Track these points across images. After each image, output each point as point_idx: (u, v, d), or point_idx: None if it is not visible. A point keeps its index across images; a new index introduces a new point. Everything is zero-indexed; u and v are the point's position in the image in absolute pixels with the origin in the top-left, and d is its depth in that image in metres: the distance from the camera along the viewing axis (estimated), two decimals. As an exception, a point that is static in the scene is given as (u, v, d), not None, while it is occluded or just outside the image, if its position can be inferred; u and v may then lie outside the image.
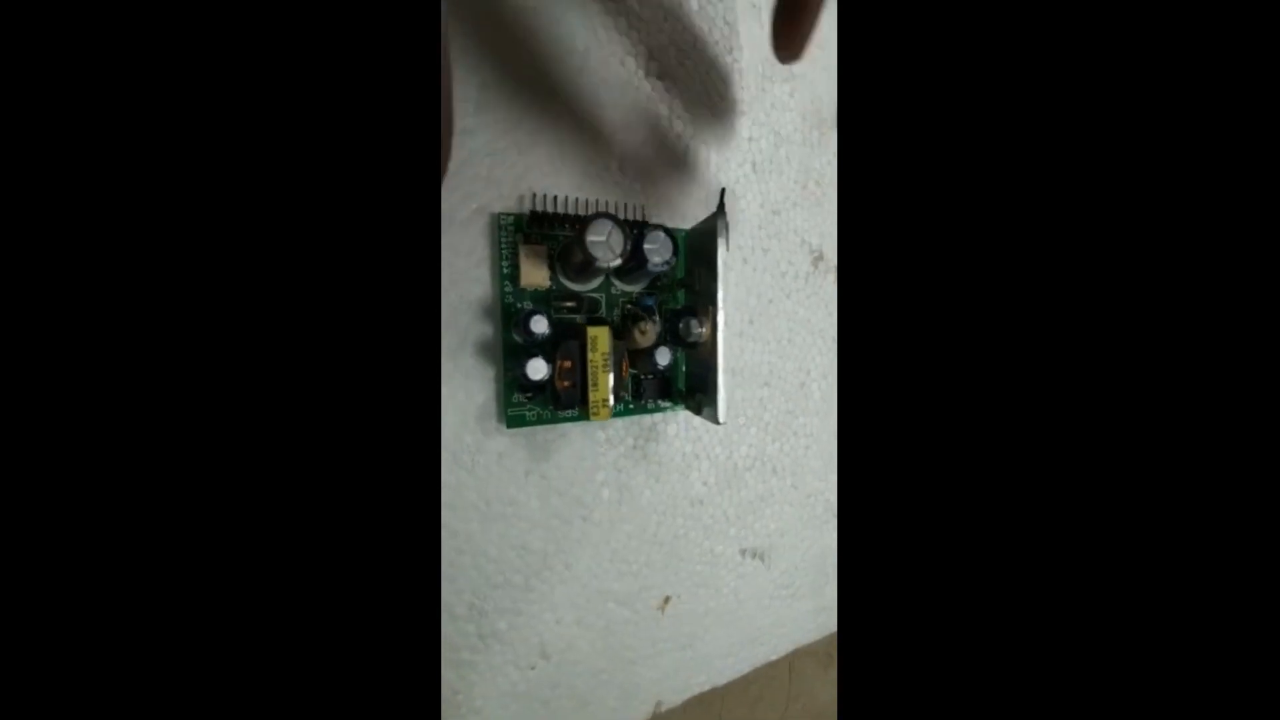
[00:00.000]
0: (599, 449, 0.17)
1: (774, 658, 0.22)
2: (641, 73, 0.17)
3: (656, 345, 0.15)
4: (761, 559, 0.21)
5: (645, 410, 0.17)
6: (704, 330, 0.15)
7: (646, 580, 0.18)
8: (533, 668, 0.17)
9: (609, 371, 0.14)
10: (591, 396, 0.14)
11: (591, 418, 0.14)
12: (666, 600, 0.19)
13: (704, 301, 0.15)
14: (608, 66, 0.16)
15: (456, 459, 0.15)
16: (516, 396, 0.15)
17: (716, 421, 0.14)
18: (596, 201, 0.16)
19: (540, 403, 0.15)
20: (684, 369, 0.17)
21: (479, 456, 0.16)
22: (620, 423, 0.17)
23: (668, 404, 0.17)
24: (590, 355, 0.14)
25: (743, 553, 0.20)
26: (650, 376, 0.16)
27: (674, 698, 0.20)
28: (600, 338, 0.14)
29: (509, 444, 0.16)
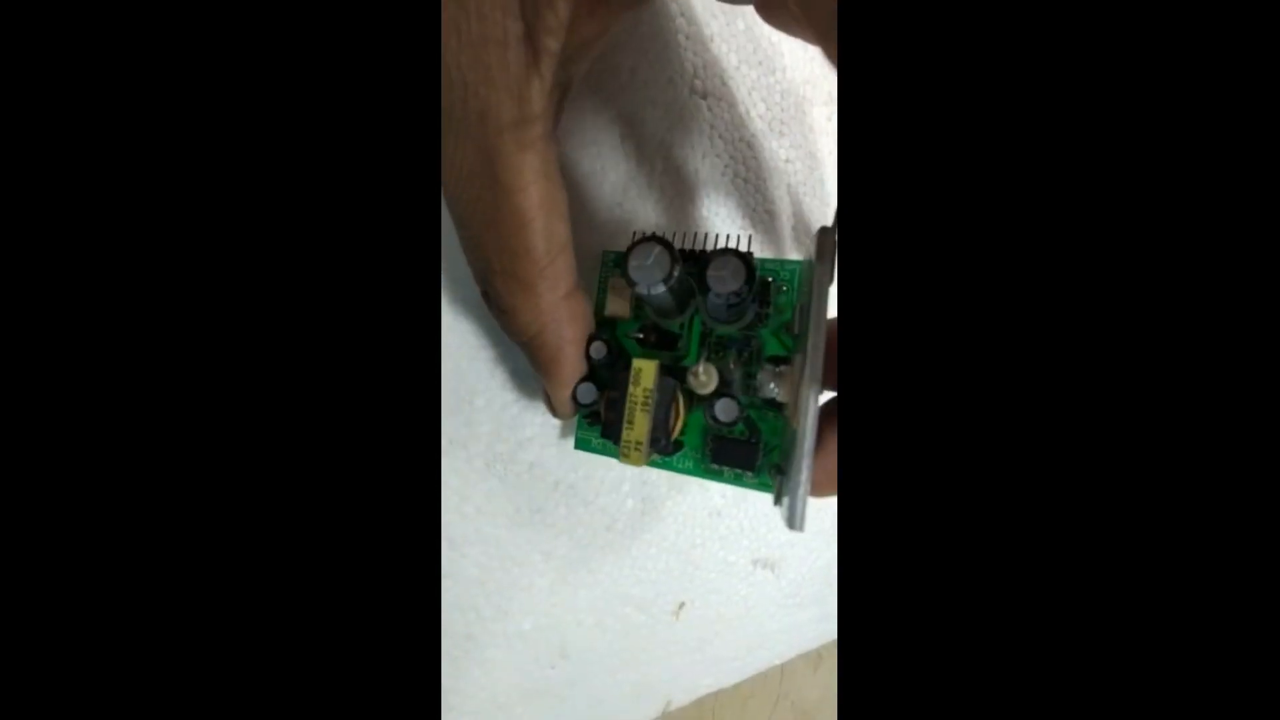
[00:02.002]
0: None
1: (777, 662, 0.23)
2: (686, 90, 0.17)
3: (717, 395, 0.12)
4: (772, 569, 0.21)
5: (719, 476, 0.13)
6: (777, 388, 0.12)
7: (664, 587, 0.19)
8: (553, 666, 0.18)
9: (649, 412, 0.12)
10: (624, 435, 0.12)
11: (620, 459, 0.12)
12: (681, 606, 0.20)
13: (797, 353, 0.12)
14: (654, 84, 0.16)
15: (490, 467, 0.16)
16: (585, 420, 0.14)
17: (789, 526, 0.11)
18: (706, 236, 0.15)
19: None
20: (778, 437, 0.13)
21: (511, 466, 0.16)
22: (648, 437, 0.18)
23: (751, 478, 0.13)
24: (631, 389, 0.12)
25: (754, 563, 0.21)
26: (735, 439, 0.13)
27: (683, 697, 0.21)
28: (645, 371, 0.12)
29: (539, 454, 0.16)
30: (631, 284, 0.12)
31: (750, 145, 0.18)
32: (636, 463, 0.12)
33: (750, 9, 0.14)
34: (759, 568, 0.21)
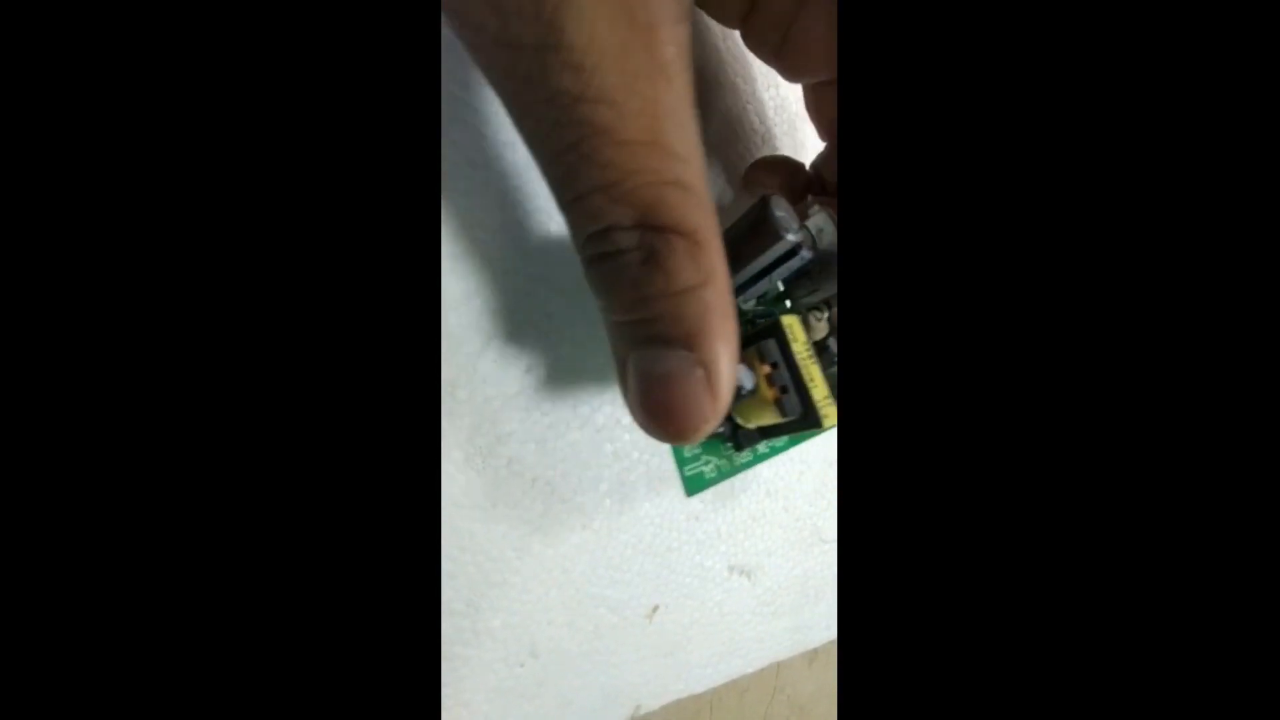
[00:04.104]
0: (604, 461, 0.18)
1: (750, 671, 0.23)
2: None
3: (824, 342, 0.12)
4: (747, 576, 0.21)
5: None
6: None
7: (638, 589, 0.19)
8: (522, 665, 0.18)
9: (816, 364, 0.11)
10: (814, 396, 0.11)
11: (824, 425, 0.11)
12: (655, 609, 0.20)
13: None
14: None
15: (469, 460, 0.16)
16: (691, 452, 0.13)
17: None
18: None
19: (714, 451, 0.13)
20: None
21: (489, 460, 0.16)
22: (628, 438, 0.18)
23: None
24: (794, 347, 0.11)
25: (730, 569, 0.21)
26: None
27: (652, 702, 0.21)
28: (794, 325, 0.11)
29: (518, 450, 0.16)
30: (782, 231, 0.11)
31: (742, 155, 0.18)
32: (835, 420, 0.11)
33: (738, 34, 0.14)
34: (735, 574, 0.21)
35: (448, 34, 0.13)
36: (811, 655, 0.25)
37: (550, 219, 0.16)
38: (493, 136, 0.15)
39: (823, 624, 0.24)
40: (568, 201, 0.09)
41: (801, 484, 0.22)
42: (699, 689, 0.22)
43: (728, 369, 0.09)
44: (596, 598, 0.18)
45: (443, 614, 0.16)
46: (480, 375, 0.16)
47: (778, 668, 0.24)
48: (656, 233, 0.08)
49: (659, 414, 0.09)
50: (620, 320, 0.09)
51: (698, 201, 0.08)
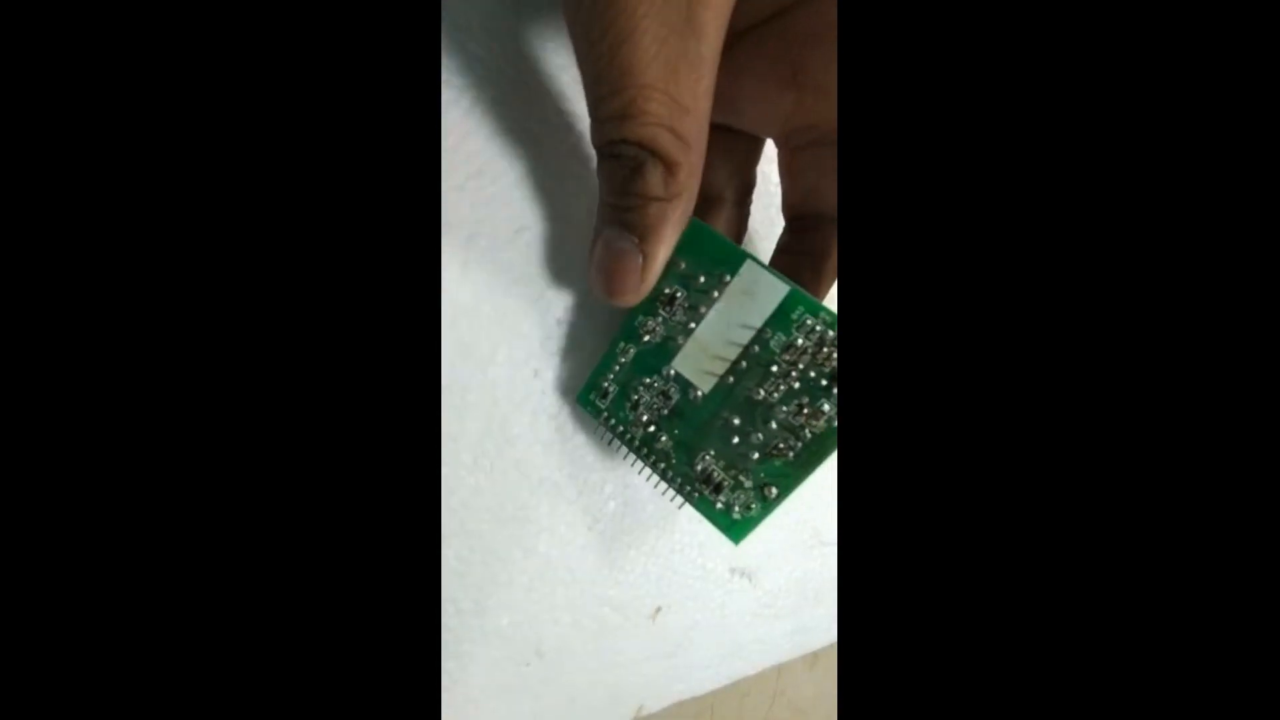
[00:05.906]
0: (609, 465, 0.18)
1: (750, 673, 0.23)
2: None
3: None
4: (749, 578, 0.22)
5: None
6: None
7: (641, 590, 0.20)
8: (528, 664, 0.18)
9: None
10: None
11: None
12: (658, 610, 0.20)
13: None
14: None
15: (477, 463, 0.16)
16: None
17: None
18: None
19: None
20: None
21: (497, 462, 0.17)
22: (632, 441, 0.18)
23: None
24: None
25: (732, 571, 0.21)
26: None
27: (655, 703, 0.21)
28: None
29: (525, 453, 0.17)
30: None
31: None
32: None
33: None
34: (736, 576, 0.22)
35: (448, 39, 0.14)
36: (812, 660, 0.25)
37: (559, 228, 0.16)
38: (502, 146, 0.15)
39: (822, 626, 0.25)
40: (596, 116, 0.12)
41: (800, 487, 0.22)
42: (700, 690, 0.22)
43: (658, 264, 0.13)
44: (600, 598, 0.19)
45: (452, 612, 0.17)
46: (490, 380, 0.16)
47: (778, 671, 0.24)
48: (649, 155, 0.12)
49: (604, 275, 0.14)
50: (609, 202, 0.13)
51: (684, 145, 0.11)
